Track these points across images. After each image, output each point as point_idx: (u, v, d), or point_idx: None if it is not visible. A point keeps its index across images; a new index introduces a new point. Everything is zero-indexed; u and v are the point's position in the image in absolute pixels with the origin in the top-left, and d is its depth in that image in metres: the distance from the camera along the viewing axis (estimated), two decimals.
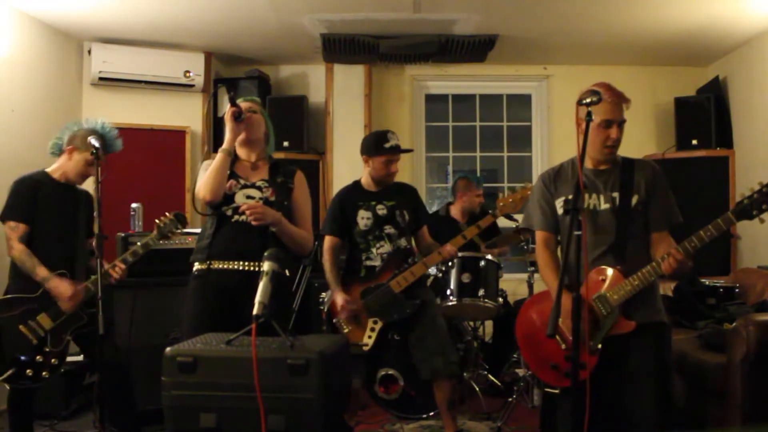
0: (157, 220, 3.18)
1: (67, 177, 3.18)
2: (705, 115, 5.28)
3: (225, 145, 2.75)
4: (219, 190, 2.69)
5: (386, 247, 3.39)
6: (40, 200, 3.09)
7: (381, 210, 3.43)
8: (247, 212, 2.64)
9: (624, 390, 2.41)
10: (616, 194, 2.48)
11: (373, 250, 3.41)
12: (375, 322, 3.35)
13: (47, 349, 2.99)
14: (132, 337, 3.68)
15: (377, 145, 3.39)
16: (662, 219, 2.48)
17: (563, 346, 2.45)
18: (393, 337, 3.68)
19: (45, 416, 3.80)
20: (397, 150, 3.40)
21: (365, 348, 3.33)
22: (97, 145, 2.95)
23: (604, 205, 2.49)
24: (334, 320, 3.41)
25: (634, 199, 2.47)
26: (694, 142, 5.32)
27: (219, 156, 2.72)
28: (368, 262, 3.41)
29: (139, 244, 3.14)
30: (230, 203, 2.74)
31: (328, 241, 3.47)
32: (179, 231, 3.20)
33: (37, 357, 2.97)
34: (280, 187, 2.81)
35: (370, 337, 3.34)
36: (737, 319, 3.19)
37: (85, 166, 3.15)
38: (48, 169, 3.20)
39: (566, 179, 2.61)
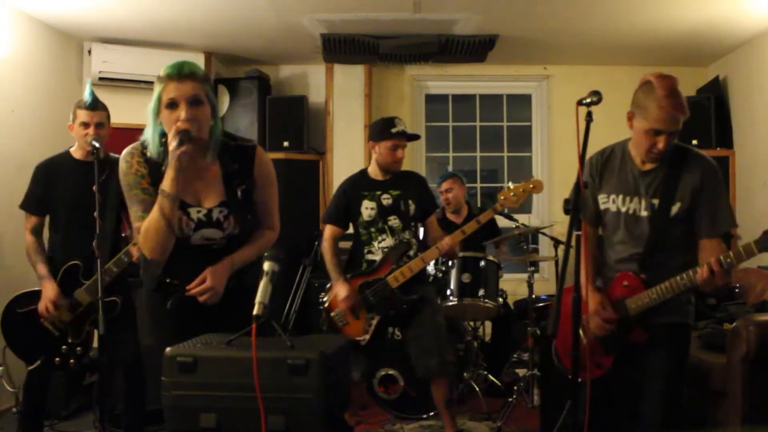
0: None
1: (83, 152, 3.17)
2: (705, 115, 5.28)
3: (169, 189, 2.01)
4: (167, 251, 2.09)
5: (388, 241, 3.37)
6: (57, 185, 3.11)
7: (386, 200, 3.40)
8: (201, 299, 2.14)
9: (635, 387, 2.41)
10: (656, 201, 2.37)
11: (375, 243, 3.39)
12: (372, 317, 3.33)
13: (70, 341, 3.08)
14: None
15: (384, 130, 3.37)
16: (708, 227, 2.33)
17: (584, 341, 2.44)
18: (393, 335, 3.68)
19: (45, 416, 3.79)
20: (403, 135, 3.38)
21: (362, 343, 3.32)
22: (97, 145, 2.95)
23: (643, 212, 2.40)
24: (333, 314, 3.38)
25: (675, 208, 2.34)
26: (694, 142, 5.29)
27: (161, 203, 2.00)
28: (369, 256, 3.40)
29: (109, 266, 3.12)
30: (186, 244, 2.15)
31: (329, 230, 3.44)
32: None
33: (63, 347, 3.08)
34: (240, 207, 2.19)
35: (367, 331, 3.33)
36: (737, 319, 3.19)
37: (80, 136, 3.12)
38: (71, 148, 3.21)
39: (613, 171, 2.48)
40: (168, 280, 2.20)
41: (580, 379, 2.25)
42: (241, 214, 2.19)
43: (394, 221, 3.38)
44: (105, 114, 3.16)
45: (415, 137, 3.51)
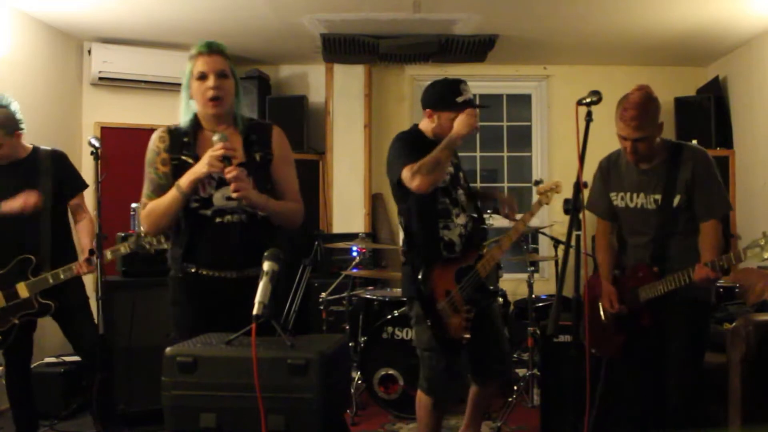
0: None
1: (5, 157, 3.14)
2: (705, 115, 5.29)
3: (185, 186, 2.21)
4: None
5: (462, 218, 2.83)
6: None
7: (449, 170, 2.83)
8: (233, 185, 2.16)
9: (655, 364, 2.67)
10: (658, 196, 2.61)
11: (453, 218, 2.80)
12: (470, 311, 2.76)
13: None
14: (132, 337, 3.68)
15: (447, 97, 2.77)
16: (705, 211, 2.58)
17: (603, 318, 2.78)
18: (393, 336, 3.66)
19: (45, 416, 3.80)
20: (471, 105, 2.78)
21: (464, 342, 2.73)
22: (97, 144, 2.95)
23: (650, 206, 2.64)
24: (439, 306, 2.75)
25: (677, 200, 2.59)
26: (694, 142, 5.30)
27: (173, 195, 2.22)
28: (446, 233, 2.79)
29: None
30: (208, 206, 2.28)
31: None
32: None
33: None
34: (259, 170, 2.33)
35: (467, 328, 2.74)
36: (737, 319, 3.19)
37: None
38: None
39: (620, 172, 2.75)
40: (193, 270, 2.30)
41: (593, 350, 2.60)
42: (259, 178, 2.30)
43: (461, 195, 2.86)
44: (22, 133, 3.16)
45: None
